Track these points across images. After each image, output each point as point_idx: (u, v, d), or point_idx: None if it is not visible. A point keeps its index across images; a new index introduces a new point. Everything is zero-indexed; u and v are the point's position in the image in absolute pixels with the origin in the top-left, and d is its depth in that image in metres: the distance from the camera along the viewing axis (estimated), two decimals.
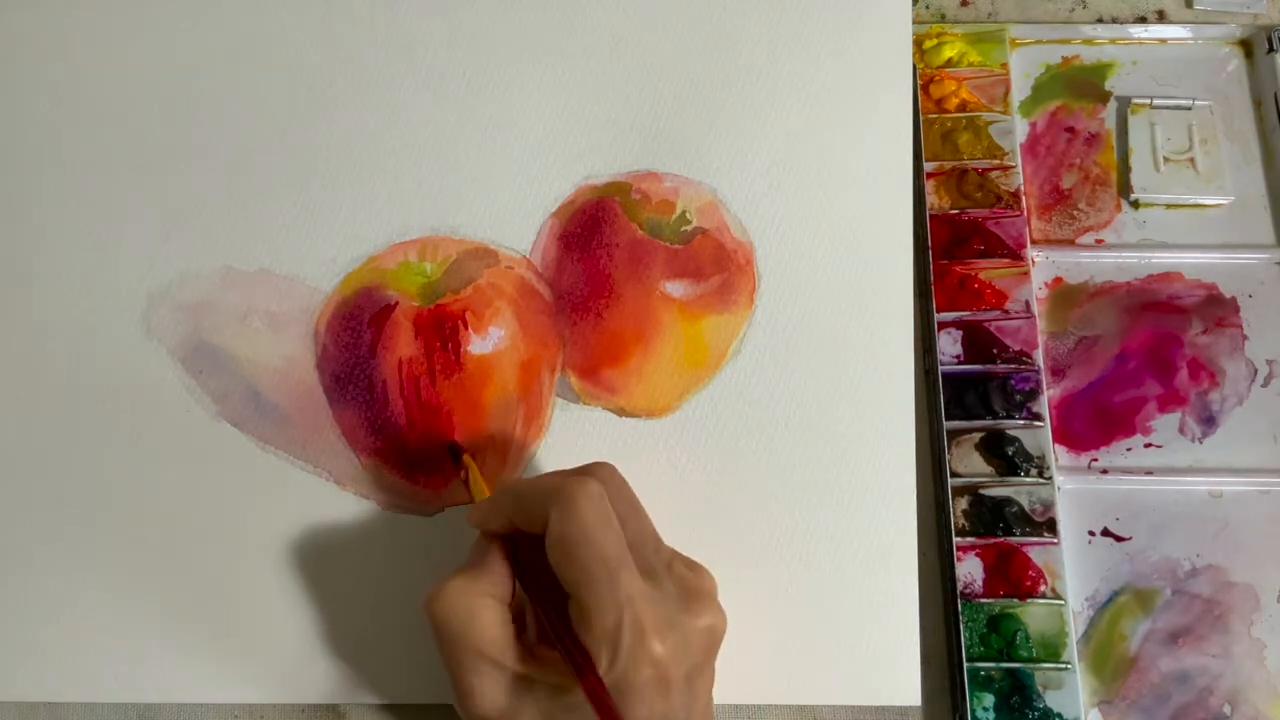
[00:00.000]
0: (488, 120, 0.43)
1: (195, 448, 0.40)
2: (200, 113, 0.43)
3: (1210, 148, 0.45)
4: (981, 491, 0.41)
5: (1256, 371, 0.43)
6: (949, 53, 0.46)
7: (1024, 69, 0.47)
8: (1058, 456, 0.42)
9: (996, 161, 0.45)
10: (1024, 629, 0.39)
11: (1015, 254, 0.43)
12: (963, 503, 0.41)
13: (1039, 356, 0.42)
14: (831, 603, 0.39)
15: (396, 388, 0.39)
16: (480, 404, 0.39)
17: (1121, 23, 0.48)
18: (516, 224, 0.42)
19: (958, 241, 0.44)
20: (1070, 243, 0.45)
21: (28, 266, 0.42)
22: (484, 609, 0.32)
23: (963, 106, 0.46)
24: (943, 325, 0.43)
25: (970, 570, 0.40)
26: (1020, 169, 0.45)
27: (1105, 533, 0.41)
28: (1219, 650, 0.40)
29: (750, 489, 0.40)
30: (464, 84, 0.43)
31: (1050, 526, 0.40)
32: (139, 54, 0.43)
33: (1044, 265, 0.45)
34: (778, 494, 0.40)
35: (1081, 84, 0.47)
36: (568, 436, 0.40)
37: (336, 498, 0.40)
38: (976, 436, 0.42)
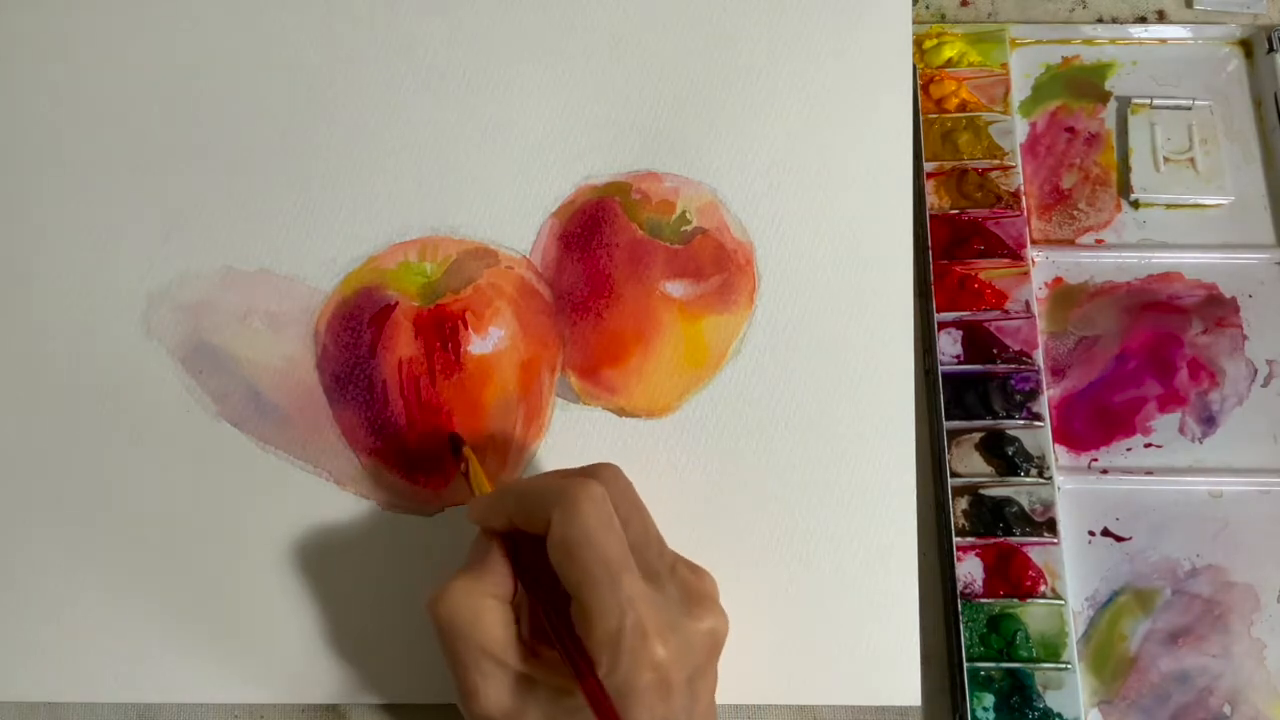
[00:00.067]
0: (488, 120, 0.43)
1: (195, 448, 0.40)
2: (200, 113, 0.43)
3: (1210, 148, 0.45)
4: (981, 491, 0.41)
5: (1256, 371, 0.43)
6: (949, 53, 0.46)
7: (1024, 69, 0.47)
8: (1058, 456, 0.42)
9: (996, 161, 0.45)
10: (1024, 629, 0.39)
11: (1015, 254, 0.43)
12: (963, 503, 0.41)
13: (1039, 356, 0.42)
14: (831, 603, 0.39)
15: (396, 388, 0.39)
16: (480, 404, 0.39)
17: (1121, 23, 0.48)
18: (516, 224, 0.42)
19: (958, 241, 0.44)
20: (1070, 243, 0.45)
21: (28, 266, 0.42)
22: (488, 609, 0.32)
23: (963, 106, 0.46)
24: (943, 325, 0.43)
25: (970, 570, 0.40)
26: (1020, 169, 0.45)
27: (1105, 533, 0.41)
28: (1219, 650, 0.40)
29: (750, 489, 0.40)
30: (464, 84, 0.43)
31: (1050, 526, 0.40)
32: (139, 54, 0.43)
33: (1044, 265, 0.45)
34: (778, 494, 0.40)
35: (1081, 84, 0.47)
36: (568, 436, 0.40)
37: (336, 498, 0.40)
38: (976, 436, 0.42)
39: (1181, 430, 0.42)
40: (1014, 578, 0.40)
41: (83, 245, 0.42)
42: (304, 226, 0.42)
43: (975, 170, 0.45)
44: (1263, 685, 0.39)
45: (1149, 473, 0.42)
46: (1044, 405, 0.42)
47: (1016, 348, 0.42)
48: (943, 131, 0.45)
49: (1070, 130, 0.47)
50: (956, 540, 0.40)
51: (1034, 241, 0.45)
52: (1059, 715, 0.38)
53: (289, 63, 0.43)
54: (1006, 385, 0.42)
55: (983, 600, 0.39)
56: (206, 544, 0.40)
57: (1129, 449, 0.42)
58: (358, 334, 0.40)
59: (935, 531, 0.41)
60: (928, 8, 0.48)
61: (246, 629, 0.39)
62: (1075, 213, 0.45)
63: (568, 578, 0.31)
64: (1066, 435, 0.42)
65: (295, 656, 0.39)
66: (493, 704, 0.31)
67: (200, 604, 0.39)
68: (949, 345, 0.42)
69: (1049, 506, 0.40)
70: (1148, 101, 0.46)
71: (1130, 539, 0.41)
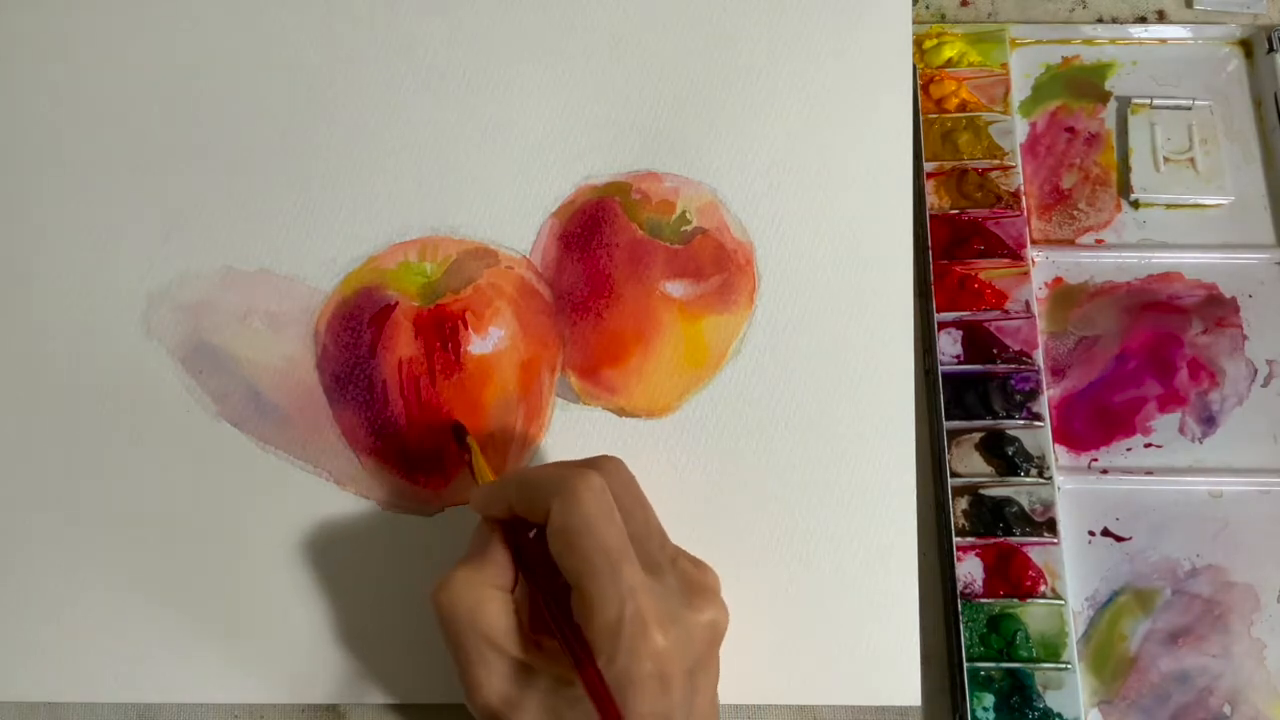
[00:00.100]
0: (488, 120, 0.43)
1: (195, 448, 0.40)
2: (200, 113, 0.43)
3: (1210, 148, 0.45)
4: (981, 491, 0.41)
5: (1256, 371, 0.43)
6: (949, 53, 0.46)
7: (1024, 69, 0.47)
8: (1058, 456, 0.42)
9: (996, 161, 0.45)
10: (1024, 629, 0.39)
11: (1015, 254, 0.43)
12: (963, 503, 0.41)
13: (1039, 356, 0.42)
14: (831, 603, 0.39)
15: (396, 388, 0.39)
16: (480, 404, 0.39)
17: (1121, 23, 0.48)
18: (516, 224, 0.42)
19: (958, 241, 0.44)
20: (1070, 243, 0.45)
21: (28, 266, 0.42)
22: (489, 599, 0.32)
23: (963, 106, 0.46)
24: (943, 325, 0.43)
25: (970, 570, 0.40)
26: (1020, 169, 0.45)
27: (1105, 533, 0.41)
28: (1219, 650, 0.40)
29: (750, 489, 0.40)
30: (464, 84, 0.43)
31: (1050, 526, 0.40)
32: (139, 54, 0.43)
33: (1044, 265, 0.45)
34: (778, 494, 0.40)
35: (1081, 84, 0.47)
36: (568, 436, 0.40)
37: (336, 498, 0.40)
38: (976, 436, 0.42)
39: (1181, 430, 0.42)
40: (1014, 578, 0.40)
41: (83, 245, 0.42)
42: (304, 226, 0.42)
43: (975, 170, 0.45)
44: (1263, 685, 0.39)
45: (1149, 473, 0.42)
46: (1044, 405, 0.42)
47: (1016, 348, 0.42)
48: (943, 131, 0.45)
49: (1070, 130, 0.47)
50: (956, 540, 0.40)
51: (1034, 241, 0.45)
52: (1059, 715, 0.38)
53: (289, 63, 0.43)
54: (1006, 385, 0.42)
55: (983, 600, 0.39)
56: (206, 544, 0.40)
57: (1129, 449, 0.42)
58: (358, 334, 0.40)
59: (935, 531, 0.41)
60: (928, 8, 0.48)
61: (246, 629, 0.39)
62: (1075, 213, 0.45)
63: (568, 567, 0.31)
64: (1066, 435, 0.42)
65: (295, 656, 0.39)
66: (494, 693, 0.32)
67: (200, 604, 0.39)
68: (949, 345, 0.42)
69: (1049, 506, 0.40)
70: (1148, 101, 0.46)
71: (1130, 539, 0.41)
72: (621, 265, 0.41)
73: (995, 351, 0.42)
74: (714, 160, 0.42)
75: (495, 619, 0.32)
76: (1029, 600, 0.39)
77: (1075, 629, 0.40)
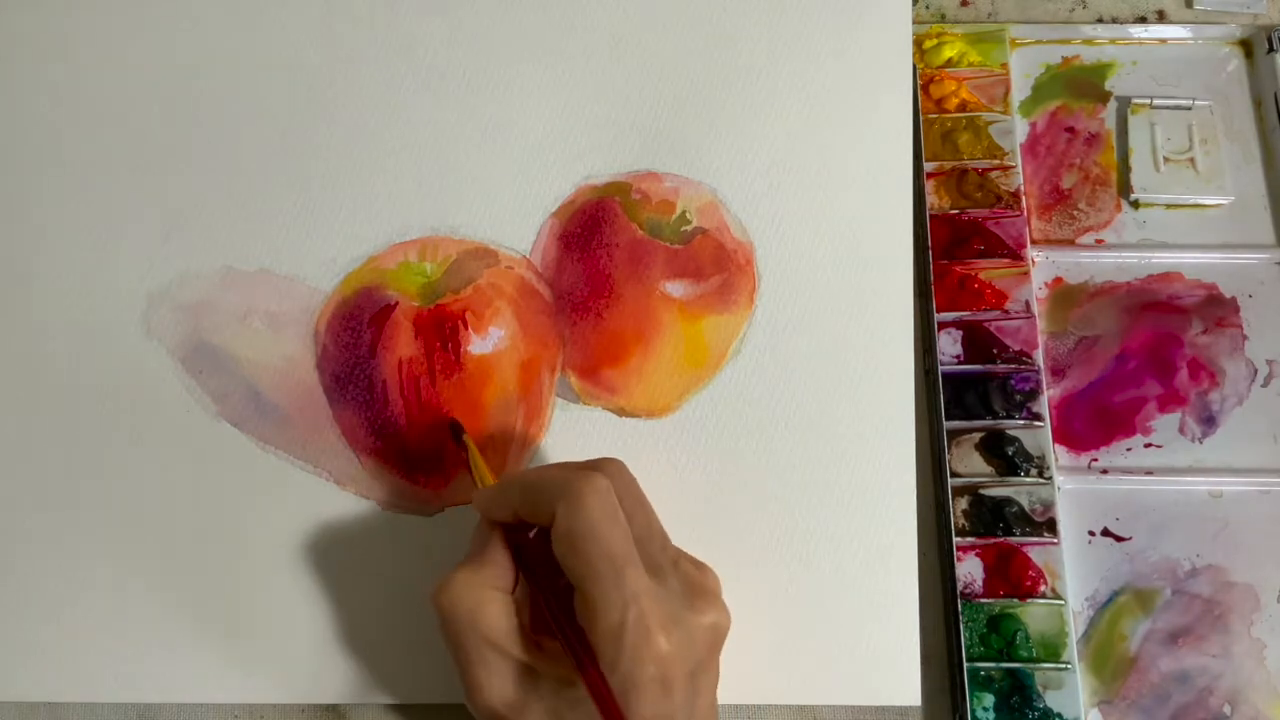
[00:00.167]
0: (488, 120, 0.43)
1: (195, 448, 0.40)
2: (200, 113, 0.43)
3: (1210, 148, 0.45)
4: (981, 491, 0.41)
5: (1256, 371, 0.43)
6: (949, 53, 0.46)
7: (1024, 69, 0.47)
8: (1058, 456, 0.42)
9: (996, 161, 0.45)
10: (1024, 629, 0.39)
11: (1015, 254, 0.43)
12: (963, 503, 0.41)
13: (1039, 356, 0.42)
14: (831, 603, 0.39)
15: (396, 388, 0.39)
16: (480, 404, 0.39)
17: (1121, 23, 0.48)
18: (516, 224, 0.42)
19: (958, 241, 0.44)
20: (1070, 243, 0.45)
21: (28, 266, 0.42)
22: (489, 600, 0.32)
23: (963, 106, 0.46)
24: (943, 325, 0.43)
25: (970, 570, 0.40)
26: (1020, 169, 0.45)
27: (1105, 533, 0.41)
28: (1219, 650, 0.40)
29: (750, 489, 0.40)
30: (464, 84, 0.43)
31: (1050, 526, 0.40)
32: (139, 54, 0.43)
33: (1044, 265, 0.45)
34: (778, 494, 0.40)
35: (1081, 84, 0.47)
36: (568, 436, 0.40)
37: (336, 498, 0.40)
38: (976, 436, 0.42)
39: (1181, 430, 0.42)
40: (1014, 578, 0.40)
41: (83, 245, 0.42)
42: (304, 226, 0.42)
43: (975, 170, 0.45)
44: (1263, 685, 0.39)
45: (1149, 473, 0.42)
46: (1044, 405, 0.42)
47: (1016, 348, 0.42)
48: (943, 131, 0.45)
49: (1070, 130, 0.47)
50: (956, 540, 0.40)
51: (1034, 241, 0.45)
52: (1059, 715, 0.38)
53: (289, 63, 0.43)
54: (1006, 385, 0.42)
55: (983, 600, 0.39)
56: (206, 544, 0.40)
57: (1129, 449, 0.42)
58: (358, 334, 0.40)
59: (935, 531, 0.41)
60: (928, 8, 0.48)
61: (246, 629, 0.39)
62: (1075, 213, 0.45)
63: (572, 570, 0.31)
64: (1066, 435, 0.42)
65: (295, 656, 0.39)
66: (495, 695, 0.32)
67: (200, 604, 0.39)
68: (949, 345, 0.42)
69: (1049, 506, 0.40)
70: (1148, 101, 0.46)
71: (1130, 539, 0.41)
72: (621, 265, 0.41)
73: (995, 351, 0.42)
74: (714, 160, 0.42)
75: (495, 620, 0.32)
76: (1029, 600, 0.39)
77: (1075, 629, 0.40)
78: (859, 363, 0.41)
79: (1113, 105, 0.47)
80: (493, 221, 0.42)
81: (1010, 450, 0.41)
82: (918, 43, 0.46)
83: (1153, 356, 0.43)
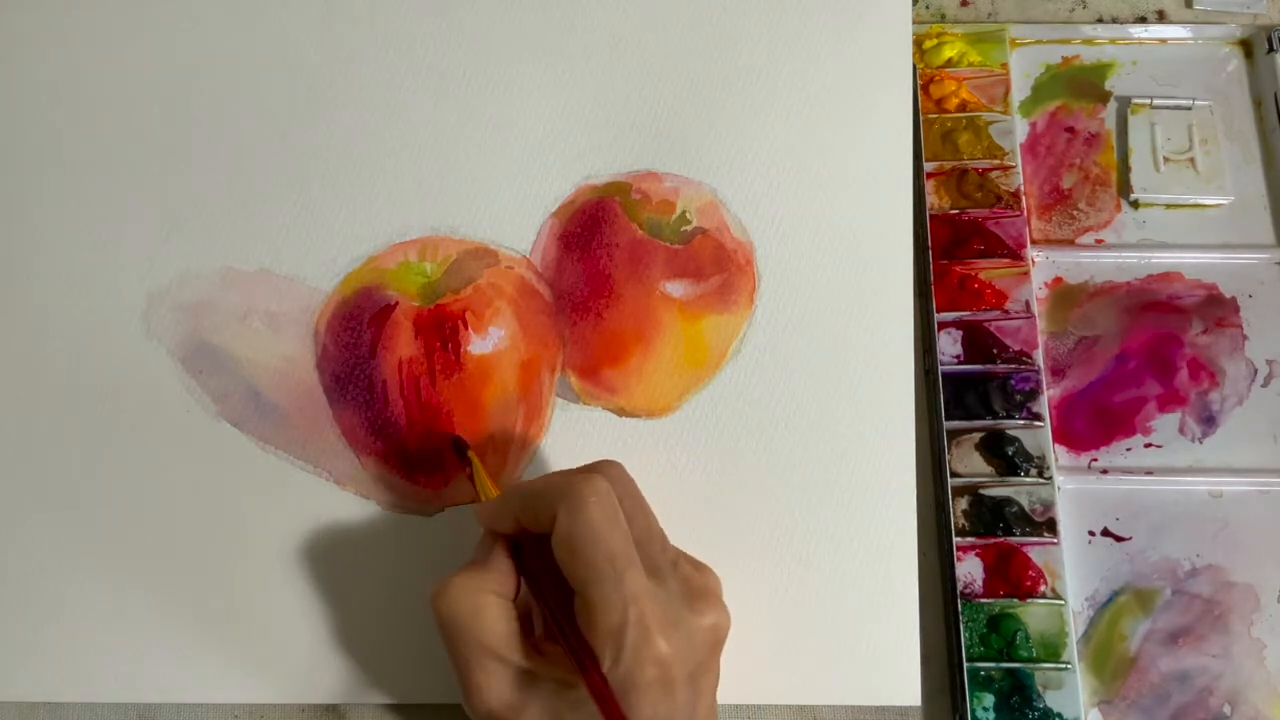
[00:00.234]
0: (488, 120, 0.43)
1: (195, 448, 0.40)
2: (200, 113, 0.43)
3: (1210, 148, 0.45)
4: (981, 491, 0.41)
5: (1256, 371, 0.43)
6: (949, 53, 0.46)
7: (1024, 69, 0.47)
8: (1058, 456, 0.42)
9: (996, 161, 0.45)
10: (1024, 629, 0.39)
11: (1015, 254, 0.43)
12: (963, 503, 0.41)
13: (1039, 356, 0.42)
14: (831, 603, 0.39)
15: (396, 388, 0.39)
16: (480, 404, 0.39)
17: (1121, 23, 0.48)
18: (516, 224, 0.42)
19: (958, 241, 0.44)
20: (1070, 243, 0.45)
21: (28, 266, 0.42)
22: (488, 605, 0.32)
23: (963, 106, 0.46)
24: (943, 325, 0.43)
25: (970, 570, 0.40)
26: (1020, 169, 0.45)
27: (1105, 533, 0.41)
28: (1219, 650, 0.40)
29: (750, 489, 0.40)
30: (464, 84, 0.43)
31: (1050, 526, 0.40)
32: (139, 54, 0.43)
33: (1044, 265, 0.45)
34: (778, 494, 0.40)
35: (1081, 84, 0.47)
36: (568, 436, 0.40)
37: (336, 498, 0.40)
38: (976, 436, 0.42)
39: (1181, 430, 0.42)
40: (1014, 578, 0.40)
41: (83, 245, 0.42)
42: (304, 226, 0.42)
43: (975, 170, 0.45)
44: (1263, 685, 0.39)
45: (1149, 473, 0.42)
46: (1044, 405, 0.42)
47: (1016, 348, 0.42)
48: (943, 131, 0.45)
49: (1070, 130, 0.47)
50: (956, 540, 0.40)
51: (1034, 241, 0.45)
52: (1059, 715, 0.38)
53: (289, 63, 0.43)
54: (1006, 385, 0.42)
55: (983, 600, 0.39)
56: (206, 544, 0.40)
57: (1129, 449, 0.42)
58: (358, 334, 0.40)
59: (935, 531, 0.41)
60: (928, 8, 0.48)
61: (246, 629, 0.39)
62: (1075, 213, 0.45)
63: (572, 573, 0.31)
64: (1066, 435, 0.42)
65: (295, 656, 0.39)
66: (494, 698, 0.32)
67: (200, 604, 0.39)
68: (949, 345, 0.42)
69: (1049, 506, 0.40)
70: (1148, 101, 0.46)
71: (1130, 539, 0.41)
72: (621, 265, 0.41)
73: (995, 351, 0.42)
74: (714, 160, 0.42)
75: (494, 624, 0.32)
76: (1029, 600, 0.39)
77: (1075, 629, 0.40)
78: (859, 363, 0.41)
79: (1113, 105, 0.47)
80: (493, 221, 0.42)
81: (1010, 450, 0.41)
82: (918, 43, 0.46)
83: (1153, 356, 0.43)
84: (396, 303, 0.40)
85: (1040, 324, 0.43)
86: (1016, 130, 0.45)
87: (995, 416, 0.41)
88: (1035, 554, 0.40)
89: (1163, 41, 0.47)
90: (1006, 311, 0.43)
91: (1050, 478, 0.41)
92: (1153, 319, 0.44)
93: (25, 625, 0.39)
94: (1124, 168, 0.46)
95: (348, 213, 0.42)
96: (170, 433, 0.40)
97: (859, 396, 0.40)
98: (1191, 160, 0.45)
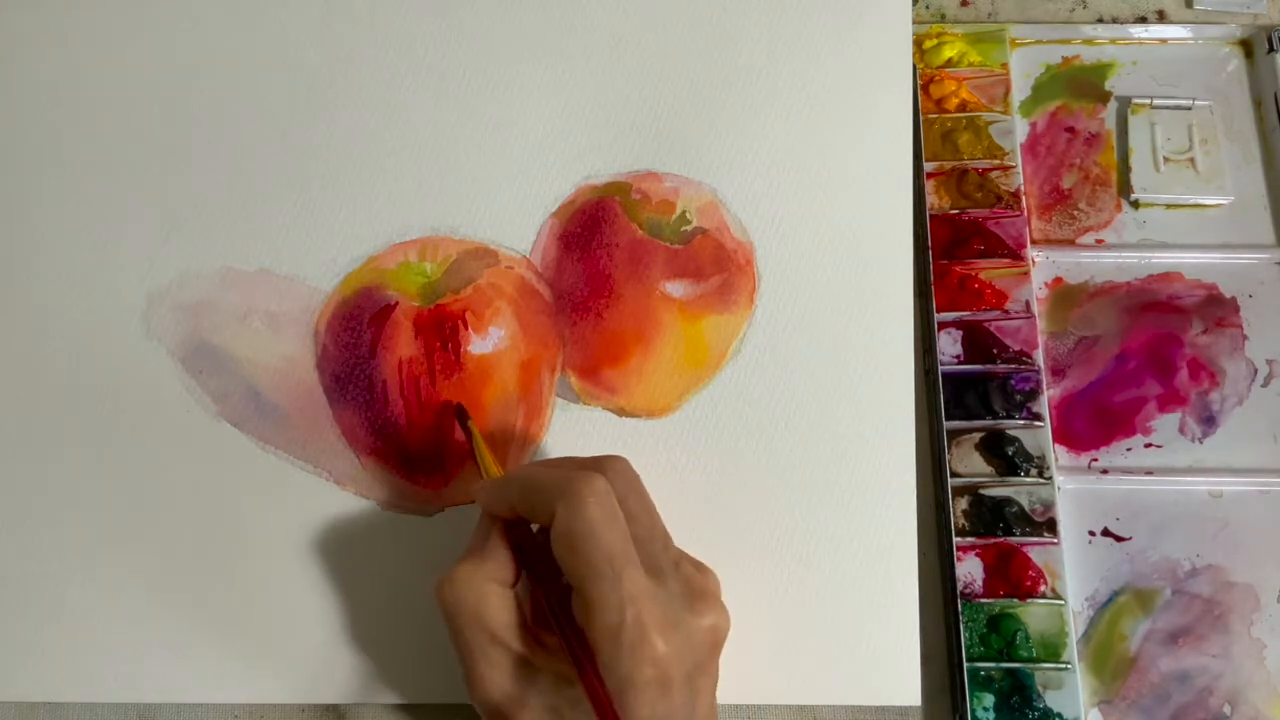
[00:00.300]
0: (488, 120, 0.43)
1: (195, 448, 0.40)
2: (200, 113, 0.43)
3: (1210, 148, 0.45)
4: (981, 491, 0.41)
5: (1256, 371, 0.43)
6: (949, 53, 0.46)
7: (1024, 69, 0.47)
8: (1058, 456, 0.42)
9: (996, 161, 0.45)
10: (1024, 629, 0.39)
11: (1015, 254, 0.43)
12: (963, 503, 0.41)
13: (1039, 356, 0.42)
14: (831, 603, 0.39)
15: (396, 388, 0.39)
16: (480, 404, 0.39)
17: (1121, 23, 0.48)
18: (516, 224, 0.42)
19: (958, 241, 0.44)
20: (1070, 243, 0.45)
21: (28, 266, 0.42)
22: (492, 594, 0.32)
23: (963, 106, 0.46)
24: (943, 325, 0.43)
25: (970, 570, 0.40)
26: (1020, 169, 0.45)
27: (1105, 533, 0.41)
28: (1219, 650, 0.40)
29: (750, 489, 0.40)
30: (464, 84, 0.43)
31: (1050, 526, 0.40)
32: (139, 54, 0.43)
33: (1044, 265, 0.45)
34: (778, 494, 0.40)
35: (1081, 84, 0.47)
36: (568, 436, 0.40)
37: (336, 498, 0.40)
38: (976, 436, 0.42)
39: (1181, 430, 0.42)
40: (1014, 578, 0.40)
41: (83, 245, 0.42)
42: (304, 226, 0.42)
43: (975, 170, 0.45)
44: (1263, 685, 0.39)
45: (1149, 473, 0.42)
46: (1044, 405, 0.42)
47: (1016, 348, 0.42)
48: (943, 131, 0.45)
49: (1070, 130, 0.47)
50: (956, 540, 0.40)
51: (1034, 241, 0.45)
52: (1059, 715, 0.38)
53: (289, 63, 0.43)
54: (1006, 385, 0.42)
55: (983, 600, 0.39)
56: (206, 544, 0.40)
57: (1129, 449, 0.42)
58: (358, 334, 0.40)
59: (935, 531, 0.41)
60: (928, 8, 0.48)
61: (246, 629, 0.39)
62: (1075, 213, 0.45)
63: (570, 570, 0.31)
64: (1066, 435, 0.42)
65: (295, 656, 0.39)
66: (496, 688, 0.32)
67: (200, 604, 0.39)
68: (949, 345, 0.42)
69: (1049, 506, 0.40)
70: (1148, 101, 0.46)
71: (1130, 539, 0.41)
72: (621, 265, 0.41)
73: (995, 351, 0.42)
74: (714, 160, 0.42)
75: (498, 614, 0.32)
76: (1029, 600, 0.39)
77: (1075, 629, 0.40)
78: (859, 363, 0.41)
79: (1113, 105, 0.47)
80: (493, 221, 0.42)
81: (1010, 450, 0.41)
82: (918, 43, 0.46)
83: (1153, 356, 0.43)
84: (396, 303, 0.40)
85: (1040, 324, 0.43)
86: (1016, 130, 0.45)
87: (995, 416, 0.41)
88: (1035, 554, 0.40)
89: (1163, 41, 0.47)
90: (1006, 311, 0.43)
91: (1050, 478, 0.41)
92: (1153, 319, 0.44)
93: (25, 625, 0.39)
94: (1124, 168, 0.46)
95: (348, 213, 0.42)
96: (170, 433, 0.40)
97: (859, 396, 0.40)
98: (1191, 160, 0.45)
